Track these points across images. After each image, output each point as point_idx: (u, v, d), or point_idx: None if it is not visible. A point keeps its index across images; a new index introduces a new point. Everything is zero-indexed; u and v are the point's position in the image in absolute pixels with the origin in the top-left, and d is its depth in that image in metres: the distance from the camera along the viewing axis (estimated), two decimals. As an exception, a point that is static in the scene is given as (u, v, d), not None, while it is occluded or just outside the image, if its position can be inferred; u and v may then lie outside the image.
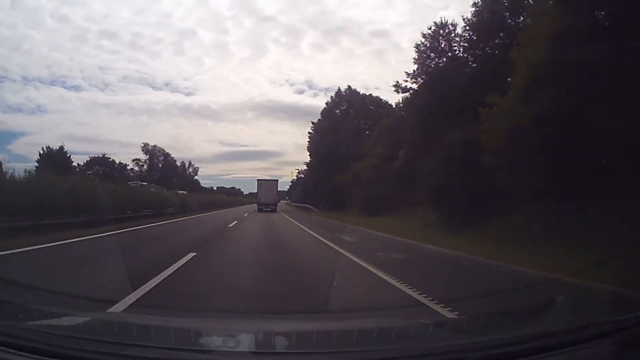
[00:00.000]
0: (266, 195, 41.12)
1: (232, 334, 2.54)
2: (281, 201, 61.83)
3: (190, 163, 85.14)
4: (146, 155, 76.95)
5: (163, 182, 64.38)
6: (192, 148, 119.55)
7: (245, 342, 2.44)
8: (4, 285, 4.94)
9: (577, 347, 1.83)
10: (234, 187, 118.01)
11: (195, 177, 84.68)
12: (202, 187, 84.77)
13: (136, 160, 76.61)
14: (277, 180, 46.83)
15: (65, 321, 2.67)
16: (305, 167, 62.07)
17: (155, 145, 77.64)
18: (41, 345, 1.78)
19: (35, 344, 1.78)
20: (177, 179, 76.40)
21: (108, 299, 4.59)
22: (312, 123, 54.13)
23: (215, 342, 2.44)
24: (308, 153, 55.70)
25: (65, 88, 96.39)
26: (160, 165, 78.04)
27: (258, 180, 43.92)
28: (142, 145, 76.93)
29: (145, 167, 76.49)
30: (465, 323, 2.84)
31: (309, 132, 55.00)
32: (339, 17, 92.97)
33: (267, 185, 43.00)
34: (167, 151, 78.52)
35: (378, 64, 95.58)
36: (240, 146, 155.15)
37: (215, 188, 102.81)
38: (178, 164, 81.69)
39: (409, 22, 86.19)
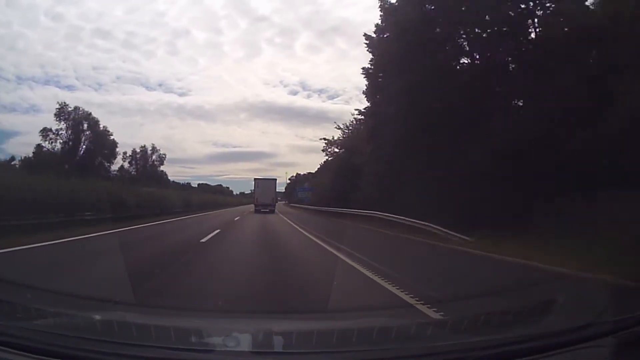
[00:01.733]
0: (264, 195, 38.72)
1: (232, 334, 2.54)
2: (279, 202, 54.62)
3: (154, 148, 58.91)
4: (62, 122, 46.27)
5: (85, 165, 42.30)
6: (185, 149, 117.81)
7: (245, 341, 2.44)
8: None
9: (577, 347, 1.83)
10: (220, 185, 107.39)
11: (162, 168, 60.47)
12: (170, 180, 62.81)
13: (45, 132, 45.43)
14: (276, 180, 43.71)
15: (65, 321, 2.67)
16: (355, 121, 32.37)
17: (78, 108, 47.56)
18: (41, 345, 1.78)
19: (35, 344, 1.78)
20: (135, 168, 54.93)
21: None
22: None
23: (215, 341, 2.44)
24: (364, 76, 22.35)
25: (59, 88, 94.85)
26: (84, 140, 47.78)
27: (255, 179, 40.97)
28: (58, 107, 46.27)
29: (67, 142, 46.65)
30: (465, 323, 2.84)
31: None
32: (333, 17, 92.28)
33: (265, 184, 40.09)
34: (96, 118, 48.68)
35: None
36: (233, 147, 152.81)
37: (196, 185, 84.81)
38: (137, 149, 57.89)
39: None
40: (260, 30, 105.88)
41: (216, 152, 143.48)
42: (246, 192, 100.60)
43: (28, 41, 71.06)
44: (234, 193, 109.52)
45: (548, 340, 1.90)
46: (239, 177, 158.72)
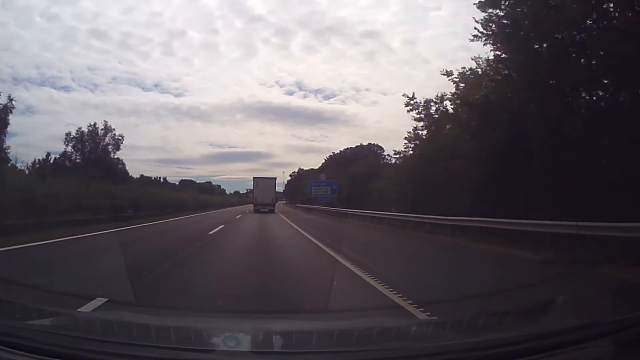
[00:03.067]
0: (263, 195, 38.41)
1: (232, 334, 2.54)
2: (278, 202, 53.03)
3: (106, 127, 39.32)
4: None
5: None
6: (181, 150, 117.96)
7: (245, 341, 2.44)
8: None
9: (577, 347, 1.83)
10: (209, 183, 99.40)
11: (117, 155, 40.51)
12: (127, 171, 42.06)
13: None
14: (275, 179, 43.31)
15: (65, 321, 2.67)
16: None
17: None
18: (41, 345, 1.77)
19: (35, 343, 1.78)
20: (81, 154, 36.85)
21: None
22: None
23: (215, 341, 2.44)
24: None
25: (55, 89, 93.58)
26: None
27: (254, 178, 40.60)
28: None
29: None
30: (465, 323, 2.84)
31: None
32: (330, 17, 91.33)
33: (264, 183, 39.68)
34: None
35: (368, 65, 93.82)
36: (230, 147, 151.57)
37: (176, 183, 68.53)
38: (85, 128, 39.15)
39: (400, 23, 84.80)
40: (256, 30, 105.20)
41: (213, 153, 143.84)
42: (241, 192, 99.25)
43: (24, 42, 70.51)
44: (227, 192, 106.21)
45: (548, 340, 1.90)
46: (235, 177, 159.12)
